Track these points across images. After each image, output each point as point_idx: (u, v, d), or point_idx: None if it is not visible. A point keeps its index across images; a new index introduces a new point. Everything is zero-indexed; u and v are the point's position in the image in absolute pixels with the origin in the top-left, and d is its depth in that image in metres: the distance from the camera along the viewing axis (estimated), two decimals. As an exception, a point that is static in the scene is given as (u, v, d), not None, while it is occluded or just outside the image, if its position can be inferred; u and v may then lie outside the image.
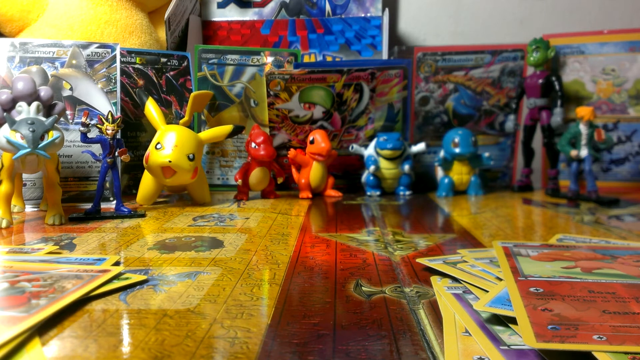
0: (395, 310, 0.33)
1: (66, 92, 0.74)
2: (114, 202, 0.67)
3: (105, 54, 0.76)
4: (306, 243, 0.52)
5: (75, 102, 0.75)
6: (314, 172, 0.84)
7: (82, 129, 0.64)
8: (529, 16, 1.13)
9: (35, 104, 0.59)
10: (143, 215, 0.66)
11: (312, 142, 0.84)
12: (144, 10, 0.98)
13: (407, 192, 0.88)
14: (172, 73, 0.90)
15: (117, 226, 0.60)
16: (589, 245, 0.48)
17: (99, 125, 0.65)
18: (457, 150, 0.86)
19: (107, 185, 0.73)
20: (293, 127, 0.89)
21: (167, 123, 0.76)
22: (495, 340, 0.28)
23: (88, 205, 0.66)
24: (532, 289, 0.34)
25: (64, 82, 0.74)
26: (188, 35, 1.01)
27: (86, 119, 0.64)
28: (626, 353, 0.25)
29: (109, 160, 0.65)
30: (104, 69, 0.76)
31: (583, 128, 0.80)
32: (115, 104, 0.76)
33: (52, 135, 0.57)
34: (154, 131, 0.75)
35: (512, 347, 0.28)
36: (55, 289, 0.35)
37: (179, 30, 0.99)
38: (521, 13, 1.13)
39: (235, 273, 0.41)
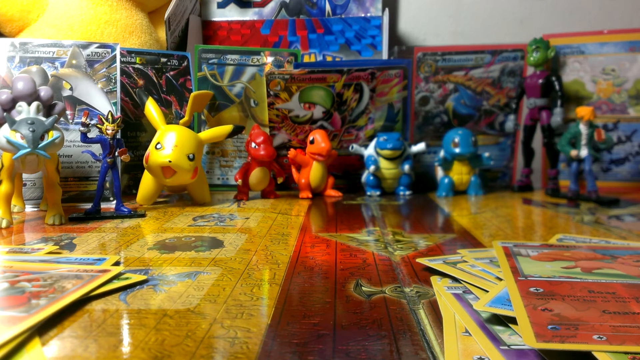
0: (395, 310, 0.33)
1: (66, 92, 0.74)
2: (114, 202, 0.67)
3: (105, 54, 0.76)
4: (306, 243, 0.52)
5: (75, 102, 0.75)
6: (314, 172, 0.84)
7: (82, 129, 0.64)
8: (529, 16, 1.13)
9: (35, 104, 0.59)
10: (143, 215, 0.66)
11: (312, 142, 0.84)
12: (144, 10, 0.98)
13: (407, 192, 0.88)
14: (172, 73, 0.90)
15: (117, 226, 0.60)
16: (589, 245, 0.48)
17: (99, 125, 0.65)
18: (457, 150, 0.86)
19: (107, 185, 0.73)
20: (293, 127, 0.89)
21: (167, 123, 0.76)
22: (495, 340, 0.28)
23: (88, 205, 0.66)
24: (532, 289, 0.34)
25: (64, 82, 0.74)
26: (188, 35, 1.01)
27: (86, 119, 0.64)
28: (626, 353, 0.25)
29: (109, 160, 0.65)
30: (104, 69, 0.76)
31: (583, 128, 0.80)
32: (115, 104, 0.76)
33: (52, 135, 0.57)
34: (154, 131, 0.75)
35: (512, 347, 0.28)
36: (55, 289, 0.35)
37: (179, 30, 0.99)
38: (521, 13, 1.13)
39: (235, 273, 0.41)
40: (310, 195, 0.84)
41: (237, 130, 0.80)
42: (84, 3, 0.91)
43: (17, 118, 0.57)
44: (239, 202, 0.79)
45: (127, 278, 0.39)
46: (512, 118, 0.94)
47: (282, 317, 0.32)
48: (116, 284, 0.37)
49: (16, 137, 0.56)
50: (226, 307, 0.34)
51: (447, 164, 0.88)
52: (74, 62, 0.75)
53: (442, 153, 0.88)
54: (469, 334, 0.29)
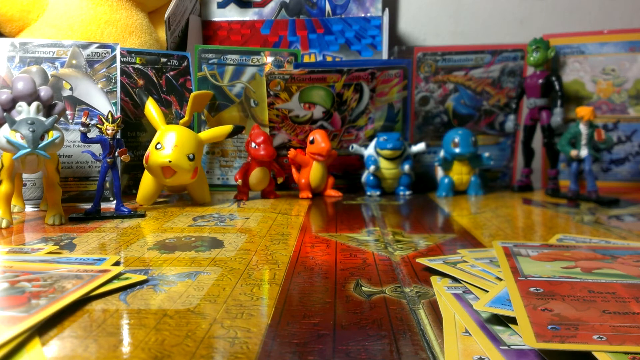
0: (395, 310, 0.33)
1: (66, 92, 0.74)
2: (114, 202, 0.67)
3: (105, 54, 0.76)
4: (306, 243, 0.52)
5: (75, 102, 0.75)
6: (314, 172, 0.84)
7: (82, 129, 0.64)
8: (529, 16, 1.13)
9: (35, 104, 0.59)
10: (143, 215, 0.66)
11: (312, 142, 0.84)
12: (144, 10, 0.98)
13: (407, 192, 0.88)
14: (172, 73, 0.90)
15: (117, 226, 0.60)
16: (589, 245, 0.48)
17: (99, 125, 0.65)
18: (457, 150, 0.86)
19: (107, 185, 0.73)
20: (293, 127, 0.89)
21: (167, 123, 0.77)
22: (495, 340, 0.28)
23: (88, 205, 0.66)
24: (532, 289, 0.34)
25: (64, 82, 0.74)
26: (188, 35, 1.01)
27: (86, 119, 0.64)
28: (626, 353, 0.25)
29: (109, 160, 0.65)
30: (104, 69, 0.76)
31: (583, 128, 0.80)
32: (115, 104, 0.76)
33: (52, 135, 0.57)
34: (154, 131, 0.75)
35: (512, 347, 0.28)
36: (55, 289, 0.35)
37: (179, 30, 0.99)
38: (521, 13, 1.13)
39: (235, 273, 0.41)
40: (310, 195, 0.84)
41: (237, 130, 0.80)
42: (84, 3, 0.91)
43: (17, 118, 0.57)
44: (239, 202, 0.79)
45: (127, 278, 0.39)
46: (512, 118, 0.94)
47: (282, 317, 0.32)
48: (116, 284, 0.37)
49: (16, 137, 0.56)
50: (226, 307, 0.34)
51: (447, 164, 0.88)
52: (74, 62, 0.75)
53: (442, 153, 0.88)
54: (469, 334, 0.29)
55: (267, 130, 0.90)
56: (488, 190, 0.92)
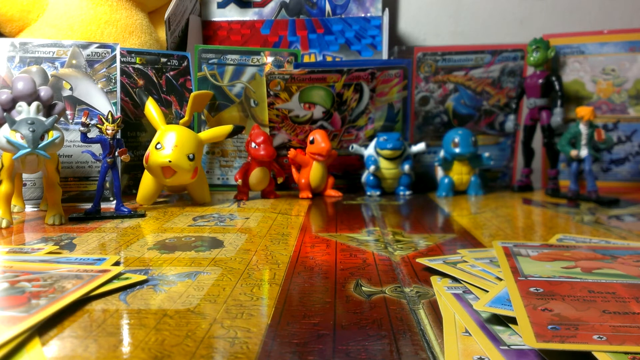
0: (395, 310, 0.33)
1: (66, 92, 0.74)
2: (114, 202, 0.67)
3: (105, 54, 0.76)
4: (306, 243, 0.52)
5: (75, 102, 0.75)
6: (314, 172, 0.84)
7: (82, 129, 0.64)
8: (529, 16, 1.13)
9: (35, 104, 0.59)
10: (143, 215, 0.66)
11: (312, 142, 0.84)
12: (144, 10, 0.98)
13: (407, 192, 0.88)
14: (172, 73, 0.90)
15: (117, 226, 0.60)
16: (589, 245, 0.48)
17: (99, 125, 0.65)
18: (457, 150, 0.86)
19: (107, 185, 0.73)
20: (293, 127, 0.89)
21: (167, 123, 0.77)
22: (495, 340, 0.28)
23: (88, 205, 0.66)
24: (532, 289, 0.34)
25: (64, 82, 0.74)
26: (188, 35, 1.01)
27: (86, 119, 0.64)
28: (626, 353, 0.25)
29: (109, 160, 0.65)
30: (104, 69, 0.76)
31: (583, 128, 0.80)
32: (115, 104, 0.76)
33: (52, 135, 0.57)
34: (154, 131, 0.75)
35: (512, 347, 0.28)
36: (55, 289, 0.35)
37: (179, 30, 0.99)
38: (521, 13, 1.13)
39: (235, 273, 0.41)
40: (310, 195, 0.84)
41: (237, 130, 0.80)
42: (84, 3, 0.91)
43: (17, 118, 0.57)
44: (239, 202, 0.79)
45: (127, 278, 0.39)
46: (512, 118, 0.94)
47: (282, 317, 0.32)
48: (116, 284, 0.37)
49: (16, 137, 0.56)
50: (226, 307, 0.34)
51: (447, 164, 0.88)
52: (74, 62, 0.75)
53: (442, 153, 0.88)
54: (469, 334, 0.29)
55: (267, 130, 0.90)
56: (488, 190, 0.92)
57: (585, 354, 0.26)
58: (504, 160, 0.99)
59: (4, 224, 0.58)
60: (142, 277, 0.39)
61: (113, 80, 0.76)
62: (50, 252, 0.47)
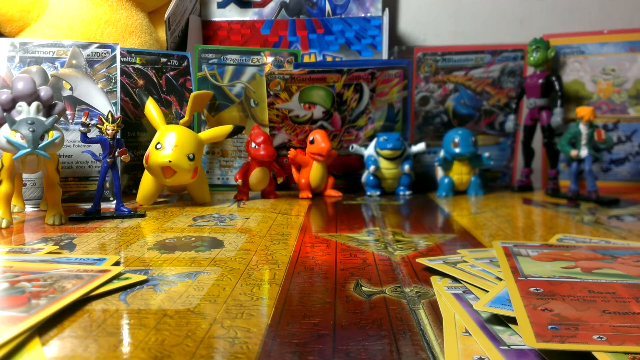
0: (395, 310, 0.33)
1: (66, 92, 0.74)
2: (114, 202, 0.67)
3: (105, 54, 0.76)
4: (306, 243, 0.52)
5: (75, 102, 0.75)
6: (314, 172, 0.84)
7: (82, 129, 0.64)
8: (529, 16, 1.13)
9: (35, 104, 0.59)
10: (143, 215, 0.66)
11: (312, 142, 0.84)
12: (144, 10, 0.98)
13: (407, 192, 0.88)
14: (172, 73, 0.90)
15: (117, 226, 0.60)
16: (589, 245, 0.48)
17: (99, 125, 0.65)
18: (457, 150, 0.86)
19: (107, 185, 0.73)
20: (293, 127, 0.89)
21: (167, 123, 0.77)
22: (495, 340, 0.28)
23: (88, 205, 0.66)
24: (532, 289, 0.34)
25: (64, 82, 0.74)
26: (188, 35, 1.01)
27: (86, 119, 0.64)
28: (626, 353, 0.25)
29: (109, 160, 0.65)
30: (104, 69, 0.76)
31: (583, 128, 0.80)
32: (115, 104, 0.76)
33: (52, 135, 0.57)
34: (154, 131, 0.75)
35: (512, 347, 0.28)
36: (55, 289, 0.35)
37: (179, 30, 0.99)
38: (521, 13, 1.13)
39: (235, 273, 0.41)
40: (310, 195, 0.84)
41: (237, 130, 0.80)
42: (84, 3, 0.91)
43: (17, 118, 0.57)
44: (239, 202, 0.79)
45: (127, 278, 0.39)
46: (512, 118, 0.94)
47: (282, 317, 0.32)
48: (116, 284, 0.37)
49: (16, 137, 0.56)
50: (226, 307, 0.34)
51: (447, 164, 0.88)
52: (74, 62, 0.75)
53: (442, 153, 0.88)
54: (469, 334, 0.29)
55: (267, 130, 0.90)
56: (488, 190, 0.92)
57: (585, 354, 0.26)
58: (504, 160, 0.99)
59: (4, 224, 0.58)
60: (142, 277, 0.39)
61: (113, 80, 0.76)
62: (50, 252, 0.47)
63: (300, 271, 0.42)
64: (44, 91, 0.60)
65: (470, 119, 0.97)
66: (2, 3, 0.89)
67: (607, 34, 0.93)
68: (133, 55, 0.87)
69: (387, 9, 1.02)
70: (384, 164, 0.87)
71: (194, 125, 0.91)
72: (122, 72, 0.84)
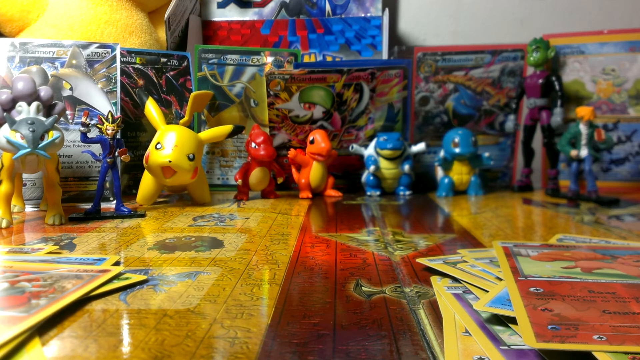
0: (395, 310, 0.33)
1: (66, 92, 0.74)
2: (114, 202, 0.67)
3: (105, 54, 0.76)
4: (306, 243, 0.52)
5: (75, 102, 0.75)
6: (314, 172, 0.84)
7: (82, 129, 0.64)
8: (529, 16, 1.13)
9: (35, 104, 0.59)
10: (143, 215, 0.66)
11: (312, 142, 0.84)
12: (144, 10, 0.98)
13: (407, 192, 0.88)
14: (172, 73, 0.90)
15: (117, 226, 0.60)
16: (589, 245, 0.48)
17: (99, 125, 0.65)
18: (457, 150, 0.86)
19: (107, 185, 0.73)
20: (293, 127, 0.89)
21: (167, 123, 0.77)
22: (495, 340, 0.28)
23: (88, 205, 0.66)
24: (532, 289, 0.34)
25: (64, 82, 0.74)
26: (188, 35, 1.01)
27: (86, 119, 0.64)
28: (626, 353, 0.25)
29: (109, 160, 0.65)
30: (104, 69, 0.76)
31: (583, 128, 0.80)
32: (115, 104, 0.76)
33: (52, 135, 0.57)
34: (154, 131, 0.75)
35: (512, 347, 0.28)
36: (55, 289, 0.35)
37: (179, 30, 0.99)
38: (521, 13, 1.13)
39: (235, 273, 0.41)
40: (310, 195, 0.84)
41: (237, 130, 0.80)
42: (84, 3, 0.91)
43: (17, 118, 0.57)
44: (239, 202, 0.79)
45: (127, 278, 0.39)
46: (512, 118, 0.94)
47: (282, 317, 0.32)
48: (116, 284, 0.37)
49: (16, 137, 0.56)
50: (226, 307, 0.34)
51: (447, 164, 0.88)
52: (74, 62, 0.75)
53: (442, 153, 0.88)
54: (469, 334, 0.29)
55: (267, 130, 0.90)
56: (488, 190, 0.92)
57: (585, 354, 0.26)
58: (504, 160, 0.99)
59: (4, 224, 0.58)
60: (142, 277, 0.39)
61: (113, 80, 0.76)
62: (50, 252, 0.47)
63: (300, 271, 0.42)
64: (44, 91, 0.60)
65: (470, 119, 0.97)
66: (2, 3, 0.89)
67: (607, 34, 0.93)
68: (133, 55, 0.87)
69: (387, 9, 1.02)
70: (384, 164, 0.87)
71: (194, 125, 0.91)
72: (122, 72, 0.84)
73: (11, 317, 0.30)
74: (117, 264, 0.44)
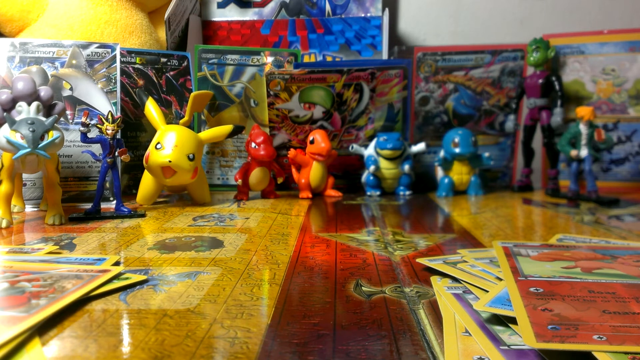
0: (395, 310, 0.33)
1: (66, 92, 0.74)
2: (114, 202, 0.67)
3: (105, 54, 0.76)
4: (306, 243, 0.52)
5: (75, 102, 0.75)
6: (314, 172, 0.84)
7: (82, 129, 0.64)
8: (529, 16, 1.13)
9: (35, 104, 0.59)
10: (143, 215, 0.66)
11: (312, 142, 0.84)
12: (144, 10, 0.98)
13: (407, 192, 0.88)
14: (172, 73, 0.90)
15: (117, 226, 0.60)
16: (589, 245, 0.48)
17: (99, 125, 0.65)
18: (457, 150, 0.86)
19: (107, 185, 0.73)
20: (293, 127, 0.89)
21: (167, 123, 0.77)
22: (495, 340, 0.28)
23: (88, 205, 0.66)
24: (532, 289, 0.34)
25: (64, 82, 0.74)
26: (188, 35, 1.01)
27: (86, 119, 0.64)
28: (626, 353, 0.25)
29: (109, 160, 0.65)
30: (104, 69, 0.76)
31: (583, 128, 0.80)
32: (115, 104, 0.76)
33: (52, 135, 0.57)
34: (154, 131, 0.75)
35: (512, 347, 0.28)
36: (55, 289, 0.35)
37: (179, 30, 0.99)
38: (521, 13, 1.13)
39: (235, 273, 0.41)
40: (310, 195, 0.84)
41: (237, 130, 0.80)
42: (84, 3, 0.91)
43: (17, 118, 0.57)
44: (239, 202, 0.79)
45: (127, 278, 0.39)
46: (512, 118, 0.94)
47: (282, 317, 0.32)
48: (116, 284, 0.37)
49: (16, 137, 0.56)
50: (226, 307, 0.34)
51: (447, 164, 0.88)
52: (74, 62, 0.75)
53: (442, 153, 0.88)
54: (469, 334, 0.29)
55: (267, 130, 0.90)
56: (488, 190, 0.92)
57: (585, 354, 0.26)
58: (504, 160, 0.99)
59: (4, 224, 0.58)
60: (142, 277, 0.39)
61: (113, 80, 0.76)
62: (50, 252, 0.47)
63: (300, 271, 0.42)
64: (44, 91, 0.60)
65: (470, 119, 0.97)
66: (2, 3, 0.89)
67: (607, 34, 0.93)
68: (133, 55, 0.87)
69: (387, 9, 1.02)
70: (384, 164, 0.87)
71: (194, 125, 0.91)
72: (122, 72, 0.84)
73: (11, 317, 0.30)
74: (117, 264, 0.44)
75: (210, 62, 0.92)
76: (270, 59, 0.92)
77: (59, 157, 0.64)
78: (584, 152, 0.80)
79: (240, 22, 1.07)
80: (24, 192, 0.71)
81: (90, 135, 0.65)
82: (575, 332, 0.27)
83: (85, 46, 0.75)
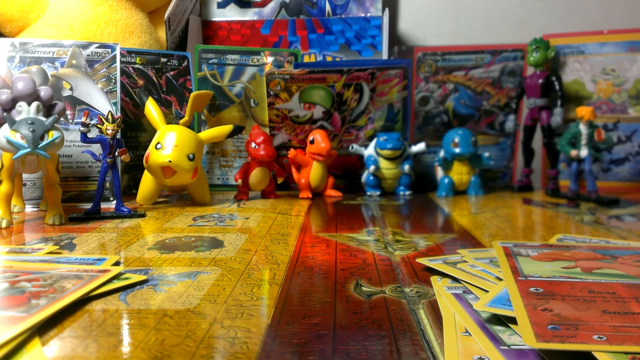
0: (395, 310, 0.33)
1: (66, 92, 0.74)
2: (114, 202, 0.67)
3: (105, 54, 0.76)
4: (306, 243, 0.52)
5: (75, 102, 0.75)
6: (314, 172, 0.84)
7: (82, 129, 0.64)
8: (529, 16, 1.13)
9: (35, 104, 0.59)
10: (143, 215, 0.66)
11: (312, 142, 0.84)
12: (144, 10, 0.98)
13: (407, 192, 0.88)
14: (172, 73, 0.90)
15: (117, 226, 0.60)
16: (589, 245, 0.48)
17: (99, 125, 0.65)
18: (457, 150, 0.86)
19: (107, 185, 0.73)
20: (293, 127, 0.89)
21: (167, 123, 0.77)
22: (495, 340, 0.28)
23: (88, 205, 0.66)
24: (532, 289, 0.34)
25: (64, 82, 0.74)
26: (188, 35, 1.01)
27: (86, 119, 0.64)
28: (626, 353, 0.25)
29: (109, 160, 0.65)
30: (104, 69, 0.76)
31: (583, 128, 0.80)
32: (115, 104, 0.76)
33: (52, 135, 0.57)
34: (154, 131, 0.75)
35: (512, 347, 0.28)
36: (55, 289, 0.35)
37: (179, 30, 0.99)
38: (521, 13, 1.13)
39: (235, 273, 0.41)
40: (310, 195, 0.84)
41: (237, 130, 0.80)
42: (84, 3, 0.91)
43: (17, 118, 0.57)
44: (239, 202, 0.79)
45: (127, 278, 0.39)
46: (512, 118, 0.94)
47: (282, 317, 0.32)
48: (116, 284, 0.37)
49: (16, 137, 0.56)
50: (226, 307, 0.34)
51: (447, 164, 0.88)
52: (74, 62, 0.75)
53: (442, 153, 0.88)
54: (469, 334, 0.29)
55: (267, 130, 0.90)
56: (488, 190, 0.92)
57: (585, 354, 0.26)
58: (504, 160, 0.99)
59: (4, 224, 0.58)
60: (142, 277, 0.39)
61: (113, 80, 0.76)
62: (50, 252, 0.47)
63: (300, 271, 0.42)
64: (44, 91, 0.60)
65: (470, 119, 0.97)
66: (2, 3, 0.89)
67: (607, 34, 0.93)
68: (133, 55, 0.87)
69: (387, 9, 1.02)
70: (384, 164, 0.87)
71: (194, 125, 0.91)
72: (122, 72, 0.84)
73: (11, 317, 0.30)
74: (117, 264, 0.44)
75: (210, 62, 0.92)
76: (270, 59, 0.92)
77: (59, 157, 0.64)
78: (584, 152, 0.80)
79: (240, 22, 1.07)
80: (24, 192, 0.71)
81: (90, 135, 0.65)
82: (575, 332, 0.27)
83: (85, 46, 0.75)
